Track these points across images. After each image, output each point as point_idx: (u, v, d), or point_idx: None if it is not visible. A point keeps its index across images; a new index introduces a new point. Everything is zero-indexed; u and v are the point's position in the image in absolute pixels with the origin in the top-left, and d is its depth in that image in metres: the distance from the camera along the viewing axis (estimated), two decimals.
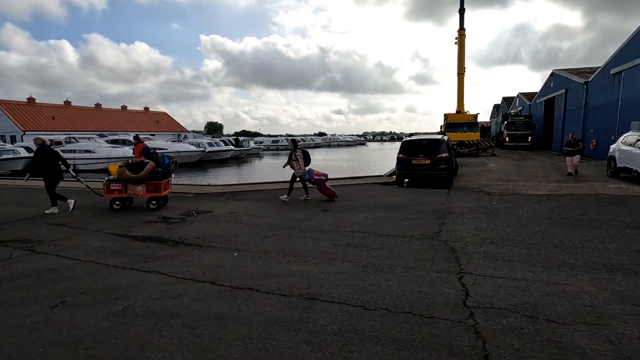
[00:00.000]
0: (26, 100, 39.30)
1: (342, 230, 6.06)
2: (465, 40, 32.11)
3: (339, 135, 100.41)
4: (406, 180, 11.46)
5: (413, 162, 11.06)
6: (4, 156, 22.04)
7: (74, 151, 23.65)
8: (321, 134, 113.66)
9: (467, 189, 10.49)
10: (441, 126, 29.91)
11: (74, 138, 26.93)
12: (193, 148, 27.45)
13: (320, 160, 35.12)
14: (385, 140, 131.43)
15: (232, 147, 31.81)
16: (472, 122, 27.12)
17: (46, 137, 9.57)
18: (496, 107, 69.85)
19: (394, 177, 13.16)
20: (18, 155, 22.73)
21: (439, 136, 12.38)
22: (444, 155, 10.90)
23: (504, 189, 10.30)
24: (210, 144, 30.48)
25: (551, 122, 32.78)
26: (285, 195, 9.02)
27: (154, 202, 8.23)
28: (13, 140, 33.41)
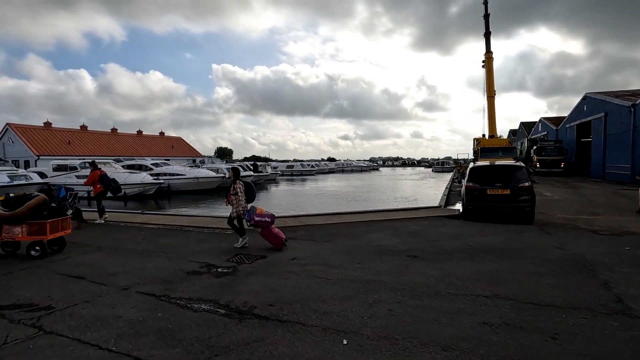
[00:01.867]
0: (42, 125, 38.91)
1: (468, 295, 4.31)
2: (493, 63, 31.14)
3: (352, 161, 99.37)
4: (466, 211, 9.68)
5: (488, 192, 9.34)
6: (17, 182, 20.87)
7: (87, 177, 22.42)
8: (331, 160, 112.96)
9: (558, 225, 8.71)
10: (474, 152, 28.28)
11: (89, 163, 25.84)
12: (212, 174, 26.13)
13: (345, 187, 33.52)
14: (397, 166, 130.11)
15: (251, 173, 30.45)
16: (508, 147, 25.48)
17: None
18: (512, 132, 68.35)
19: (453, 207, 11.44)
20: (30, 181, 21.56)
21: (512, 162, 10.74)
22: (525, 184, 9.19)
23: (606, 226, 8.50)
24: (228, 170, 29.20)
25: (585, 147, 31.01)
26: (240, 240, 6.91)
27: (37, 247, 6.32)
28: (27, 165, 32.59)
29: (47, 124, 39.35)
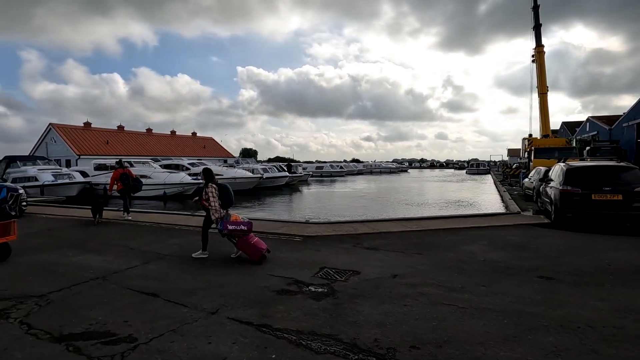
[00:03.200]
0: (82, 125, 39.90)
1: None
2: (544, 57, 29.00)
3: (380, 162, 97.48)
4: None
5: (593, 197, 7.97)
6: (60, 180, 21.01)
7: None
8: (356, 161, 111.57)
9: None
10: (527, 152, 26.30)
11: (129, 162, 25.87)
12: (249, 174, 25.57)
13: (382, 189, 32.12)
14: (424, 167, 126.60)
15: (286, 174, 29.75)
16: (566, 148, 23.35)
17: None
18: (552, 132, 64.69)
19: (528, 213, 10.06)
20: (74, 180, 21.70)
21: (620, 162, 9.29)
22: None
23: None
24: (264, 170, 28.63)
25: None
26: (200, 251, 6.15)
27: None
28: (68, 164, 33.29)
29: (87, 124, 40.32)
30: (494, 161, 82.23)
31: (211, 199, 5.90)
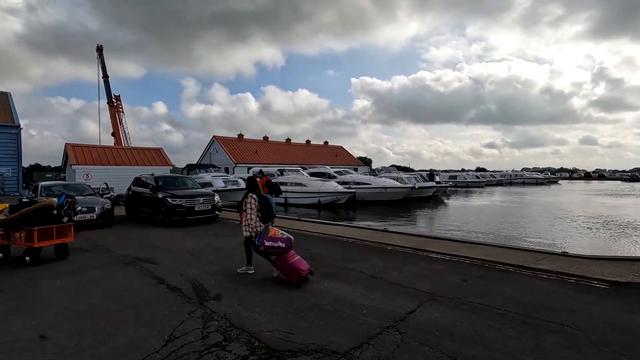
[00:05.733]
0: (236, 137, 44.92)
1: None
2: None
3: (521, 172, 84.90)
4: None
5: None
6: (230, 187, 23.12)
7: (285, 184, 23.22)
8: (480, 170, 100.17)
9: None
10: None
11: (281, 170, 27.28)
12: (398, 184, 23.99)
13: (564, 207, 26.42)
14: (575, 178, 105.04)
15: (434, 184, 27.20)
16: None
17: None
18: None
19: None
20: (240, 187, 23.65)
21: None
22: None
23: None
24: (409, 179, 26.69)
25: None
26: (245, 267, 5.83)
27: (28, 255, 6.41)
28: (226, 172, 37.56)
29: (240, 136, 45.27)
30: None
31: (248, 210, 5.49)
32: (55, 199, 7.03)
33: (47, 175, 59.67)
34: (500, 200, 30.01)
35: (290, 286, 5.11)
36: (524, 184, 67.10)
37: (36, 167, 75.18)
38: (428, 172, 35.09)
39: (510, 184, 66.51)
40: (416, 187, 23.94)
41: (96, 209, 11.00)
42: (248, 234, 5.53)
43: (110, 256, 7.17)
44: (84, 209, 10.78)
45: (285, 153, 47.04)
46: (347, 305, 4.39)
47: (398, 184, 23.85)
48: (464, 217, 19.32)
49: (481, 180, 55.18)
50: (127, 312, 4.20)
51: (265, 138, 48.68)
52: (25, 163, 31.93)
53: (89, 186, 13.33)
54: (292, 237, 5.43)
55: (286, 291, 4.91)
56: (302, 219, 12.60)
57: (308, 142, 54.29)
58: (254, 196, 5.60)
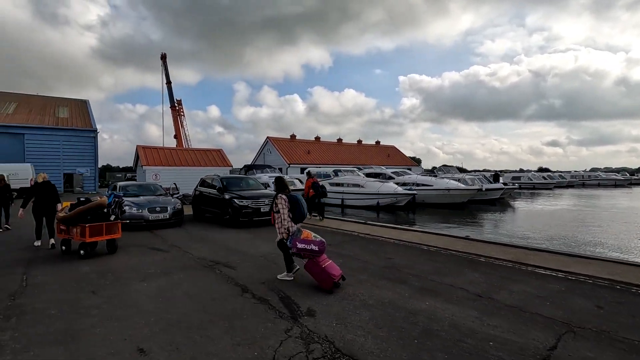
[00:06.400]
0: (289, 137, 45.40)
1: None
2: None
3: (595, 172, 76.75)
4: None
5: None
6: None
7: (341, 184, 22.75)
8: (543, 170, 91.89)
9: None
10: None
11: (335, 171, 26.86)
12: (462, 185, 22.45)
13: None
14: None
15: (502, 185, 25.13)
16: None
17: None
18: None
19: None
20: (298, 187, 23.61)
21: None
22: None
23: None
24: (472, 180, 24.89)
25: None
26: (285, 273, 5.59)
27: (82, 249, 7.02)
28: (280, 172, 38.00)
29: (292, 137, 45.70)
30: None
31: (281, 210, 5.37)
32: (106, 199, 7.58)
33: (117, 175, 65.10)
34: (581, 204, 26.97)
35: (384, 302, 4.56)
36: (599, 185, 60.47)
37: (107, 168, 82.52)
38: (492, 173, 32.63)
39: (583, 185, 60.34)
40: (484, 190, 22.21)
41: (169, 208, 11.30)
42: (282, 236, 5.39)
43: (188, 258, 7.12)
44: (158, 209, 11.12)
45: (336, 153, 46.67)
46: (465, 333, 3.72)
47: (462, 186, 22.28)
48: (545, 223, 17.42)
49: (549, 181, 50.54)
50: (220, 325, 3.91)
51: (317, 138, 48.69)
52: (99, 164, 34.79)
53: (161, 186, 13.84)
54: (325, 240, 5.22)
55: (381, 308, 4.37)
56: (369, 222, 11.99)
57: (359, 142, 53.47)
58: (284, 197, 5.47)
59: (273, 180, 21.68)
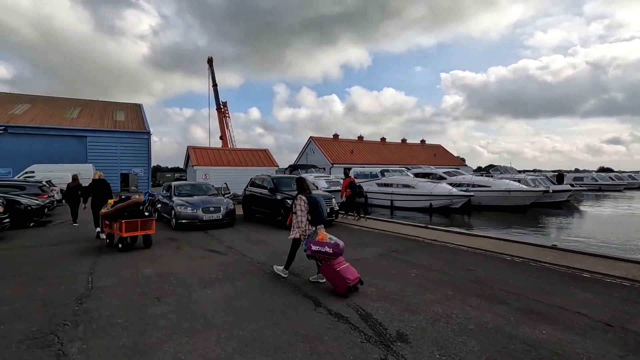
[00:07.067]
0: (332, 137, 44.92)
1: None
2: None
3: None
4: None
5: None
6: (332, 187, 22.63)
7: (391, 185, 21.80)
8: (605, 170, 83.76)
9: None
10: None
11: (382, 171, 25.89)
12: (524, 187, 20.62)
13: None
14: None
15: (569, 187, 22.83)
16: None
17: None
18: None
19: None
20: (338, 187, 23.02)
21: None
22: None
23: None
24: (534, 181, 22.83)
25: None
26: (282, 268, 5.77)
27: (121, 242, 7.51)
28: (324, 172, 37.59)
29: (335, 136, 45.18)
30: None
31: (298, 212, 5.32)
32: (141, 197, 7.99)
33: (166, 175, 68.39)
34: None
35: (488, 328, 3.79)
36: None
37: (158, 168, 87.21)
38: (556, 173, 29.91)
39: None
40: (551, 191, 20.24)
41: (222, 208, 11.14)
42: (297, 235, 5.37)
43: (247, 262, 6.75)
44: (212, 209, 11.00)
45: (380, 153, 45.48)
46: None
47: (524, 187, 20.45)
48: (634, 230, 15.38)
49: (618, 182, 45.76)
50: (300, 348, 3.38)
51: (360, 138, 47.79)
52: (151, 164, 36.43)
53: (213, 186, 13.84)
54: (340, 243, 5.02)
55: (487, 335, 3.61)
56: (430, 226, 11.08)
57: (404, 140, 51.79)
58: (303, 197, 5.39)
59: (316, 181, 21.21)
